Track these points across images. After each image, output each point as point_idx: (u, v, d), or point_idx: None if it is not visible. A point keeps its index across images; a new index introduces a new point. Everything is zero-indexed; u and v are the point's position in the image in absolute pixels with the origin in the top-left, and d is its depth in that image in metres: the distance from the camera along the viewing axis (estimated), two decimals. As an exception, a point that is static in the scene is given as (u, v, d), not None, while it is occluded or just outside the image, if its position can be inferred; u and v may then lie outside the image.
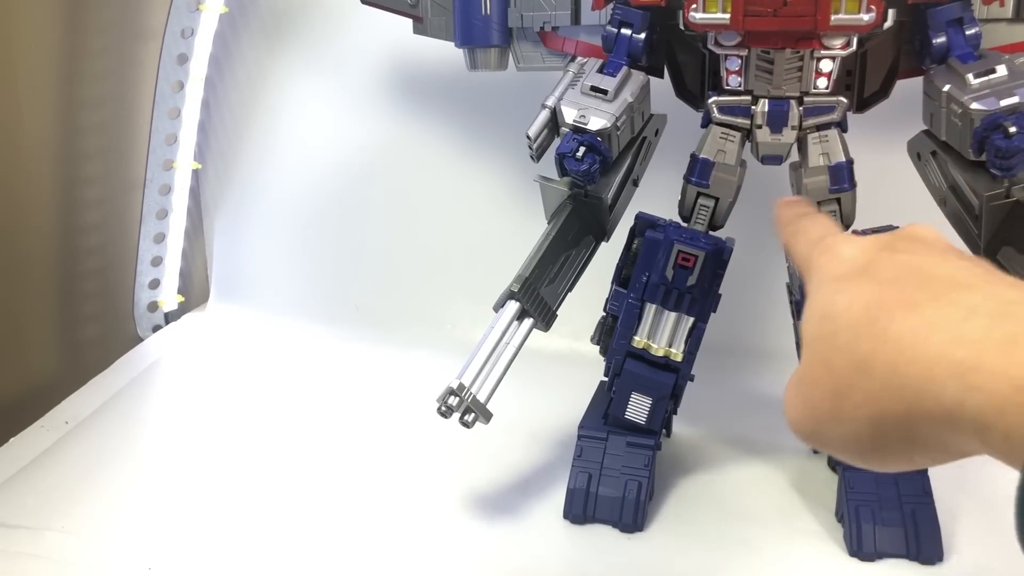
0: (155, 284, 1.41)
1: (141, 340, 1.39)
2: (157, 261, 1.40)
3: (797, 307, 0.93)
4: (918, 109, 0.90)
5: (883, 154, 0.96)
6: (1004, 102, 0.78)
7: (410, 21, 1.03)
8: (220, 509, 0.94)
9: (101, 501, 0.95)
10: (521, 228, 0.99)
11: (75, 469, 1.01)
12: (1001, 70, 0.80)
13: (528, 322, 0.90)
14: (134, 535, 0.90)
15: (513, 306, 0.89)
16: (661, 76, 0.97)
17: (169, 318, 1.44)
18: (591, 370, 0.99)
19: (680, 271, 0.89)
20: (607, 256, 0.95)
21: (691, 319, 0.91)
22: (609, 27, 0.92)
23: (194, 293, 1.49)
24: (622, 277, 0.94)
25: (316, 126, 1.36)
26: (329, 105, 1.35)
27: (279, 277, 1.44)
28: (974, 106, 0.79)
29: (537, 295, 0.90)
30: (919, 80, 0.89)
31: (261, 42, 1.34)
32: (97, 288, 1.41)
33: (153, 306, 1.42)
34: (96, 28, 1.32)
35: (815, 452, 1.04)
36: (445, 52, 1.02)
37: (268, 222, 1.43)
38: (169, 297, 1.43)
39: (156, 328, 1.42)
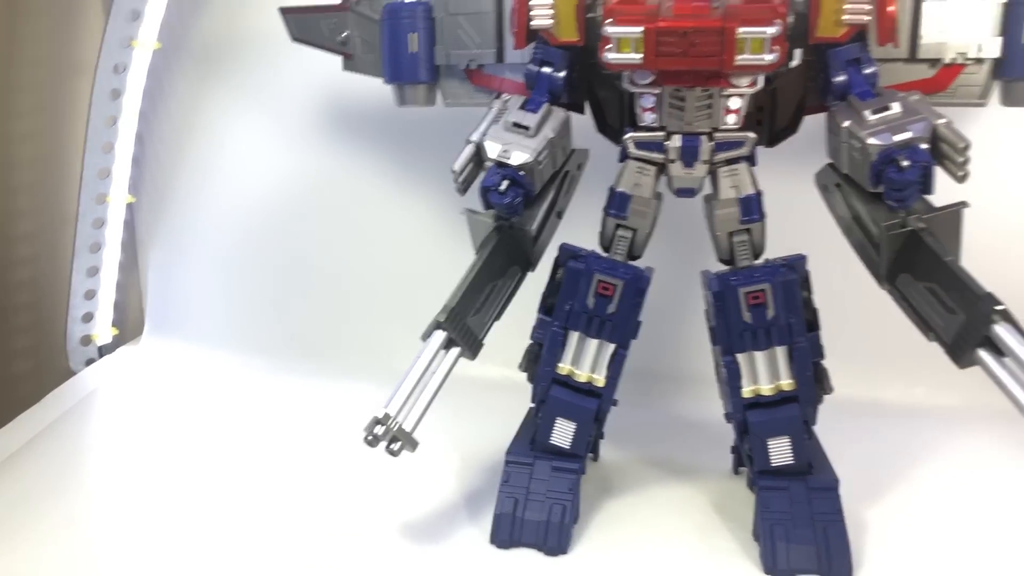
0: (88, 318, 1.40)
1: (74, 374, 1.38)
2: (91, 294, 1.39)
3: (713, 333, 0.96)
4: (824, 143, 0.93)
5: (793, 186, 0.99)
6: (897, 137, 0.81)
7: (340, 57, 1.05)
8: (152, 546, 0.93)
9: (27, 540, 0.94)
10: (456, 256, 1.00)
11: None
12: (896, 107, 0.84)
13: (455, 351, 0.91)
14: (62, 574, 0.88)
15: (440, 335, 0.90)
16: (582, 112, 0.99)
17: (103, 351, 1.43)
18: (524, 397, 1.00)
19: (601, 300, 0.91)
20: (538, 286, 0.97)
21: (612, 346, 0.93)
22: (531, 66, 0.95)
23: (128, 326, 1.48)
24: (547, 306, 0.95)
25: (251, 159, 1.37)
26: (263, 138, 1.36)
27: (214, 309, 1.43)
28: (870, 141, 0.82)
29: (464, 325, 0.91)
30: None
31: (195, 77, 1.35)
32: (29, 322, 1.39)
33: (86, 340, 1.41)
34: (29, 62, 1.31)
35: (736, 472, 1.07)
36: (377, 86, 1.03)
37: (203, 254, 1.42)
38: (103, 330, 1.42)
39: (89, 362, 1.41)
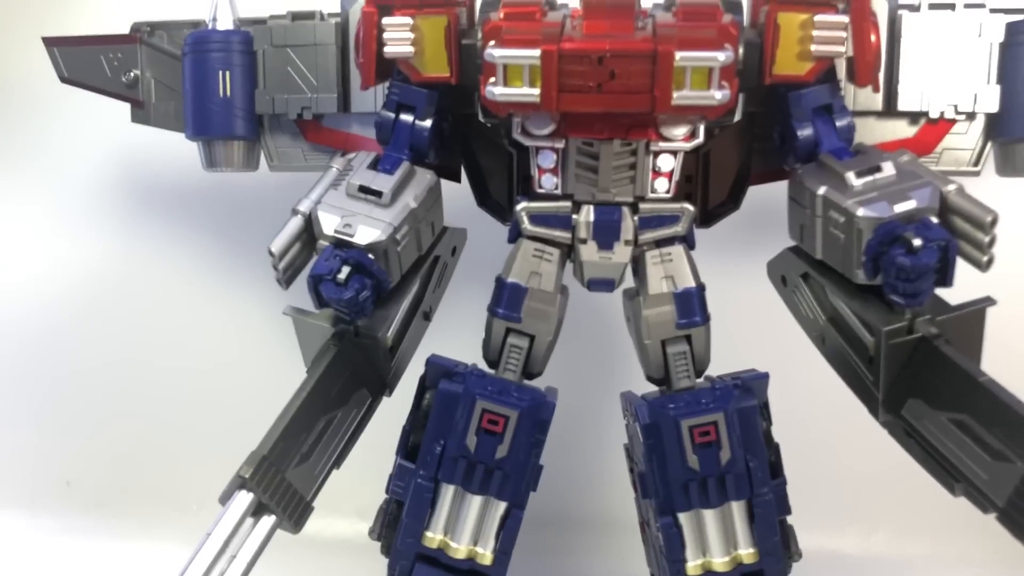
0: None
1: None
2: None
3: (642, 481, 0.77)
4: (778, 220, 0.79)
5: (736, 278, 0.89)
6: (899, 207, 0.67)
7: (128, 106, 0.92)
8: None
9: None
10: (290, 372, 0.82)
11: None
12: (888, 168, 0.70)
13: (268, 520, 0.73)
14: None
15: (245, 499, 0.71)
16: (457, 179, 0.87)
17: None
18: (384, 561, 0.81)
19: (486, 438, 0.74)
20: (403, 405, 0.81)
21: (503, 505, 0.76)
22: (385, 111, 0.79)
23: None
24: (409, 446, 0.79)
25: (15, 245, 1.21)
26: (32, 218, 1.21)
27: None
28: (861, 213, 0.68)
29: (281, 481, 0.73)
30: (776, 187, 0.80)
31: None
32: None
33: None
34: None
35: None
36: (181, 146, 0.89)
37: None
38: None
39: None
